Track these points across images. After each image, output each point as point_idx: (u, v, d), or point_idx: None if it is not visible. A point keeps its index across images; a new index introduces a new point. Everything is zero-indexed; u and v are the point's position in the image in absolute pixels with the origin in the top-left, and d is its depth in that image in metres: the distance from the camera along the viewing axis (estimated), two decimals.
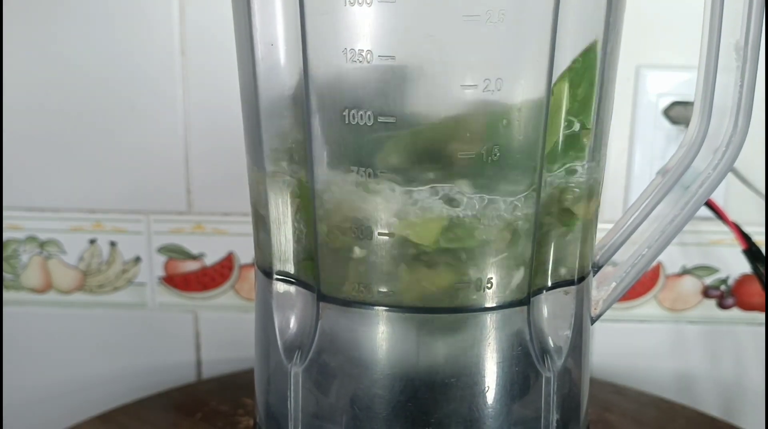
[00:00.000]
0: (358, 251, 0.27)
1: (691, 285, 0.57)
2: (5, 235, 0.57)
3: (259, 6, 0.27)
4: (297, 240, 0.29)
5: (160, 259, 0.57)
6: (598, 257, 0.32)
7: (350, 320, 0.28)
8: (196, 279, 0.57)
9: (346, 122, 0.26)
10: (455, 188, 0.26)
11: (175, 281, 0.57)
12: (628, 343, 0.58)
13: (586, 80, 0.28)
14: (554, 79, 0.26)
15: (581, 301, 0.31)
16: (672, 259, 0.56)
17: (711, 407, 0.57)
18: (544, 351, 0.29)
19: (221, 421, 0.48)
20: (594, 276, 0.32)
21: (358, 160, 0.26)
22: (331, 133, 0.27)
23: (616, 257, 0.32)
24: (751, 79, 0.28)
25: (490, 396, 0.28)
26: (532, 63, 0.26)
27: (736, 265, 0.56)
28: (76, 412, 0.57)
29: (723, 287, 0.57)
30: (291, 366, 0.30)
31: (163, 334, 0.58)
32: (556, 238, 0.29)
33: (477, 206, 0.26)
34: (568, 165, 0.28)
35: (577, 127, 0.28)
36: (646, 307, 0.57)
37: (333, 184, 0.27)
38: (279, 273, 0.30)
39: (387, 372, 0.28)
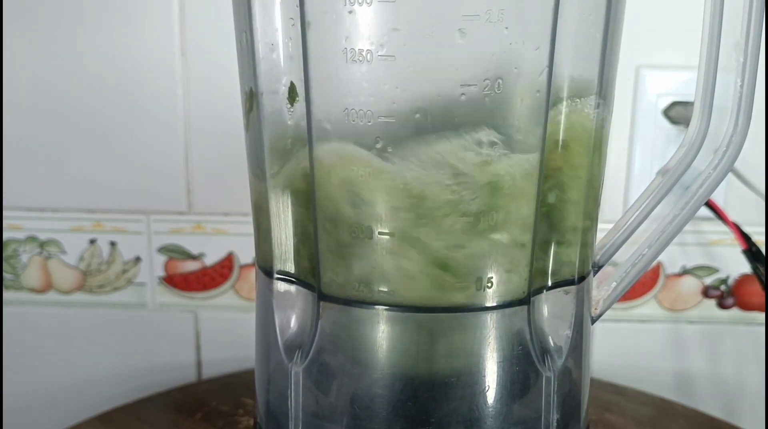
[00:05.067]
0: (358, 250, 0.27)
1: (691, 285, 0.57)
2: (5, 235, 0.57)
3: (259, 6, 0.27)
4: (297, 239, 0.29)
5: (160, 259, 0.57)
6: (598, 257, 0.32)
7: (350, 319, 0.28)
8: (196, 279, 0.57)
9: (346, 122, 0.26)
10: (455, 186, 0.26)
11: (175, 281, 0.57)
12: (628, 343, 0.58)
13: None
14: (554, 78, 0.26)
15: (581, 301, 0.31)
16: (672, 259, 0.56)
17: (711, 407, 0.57)
18: (545, 350, 0.29)
19: (221, 421, 0.48)
20: (594, 276, 0.32)
21: (359, 159, 0.26)
22: (331, 132, 0.27)
23: (616, 257, 0.32)
24: (751, 79, 0.28)
25: (491, 395, 0.28)
26: (532, 63, 0.26)
27: (736, 265, 0.56)
28: (76, 412, 0.57)
29: (723, 287, 0.57)
30: (291, 365, 0.30)
31: (163, 334, 0.58)
32: (556, 233, 0.29)
33: (478, 202, 0.26)
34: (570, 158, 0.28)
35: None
36: (646, 307, 0.57)
37: (333, 183, 0.27)
38: (279, 272, 0.30)
39: (387, 371, 0.28)
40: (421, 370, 0.28)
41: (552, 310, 0.29)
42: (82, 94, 0.54)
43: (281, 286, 0.30)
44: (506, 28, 0.25)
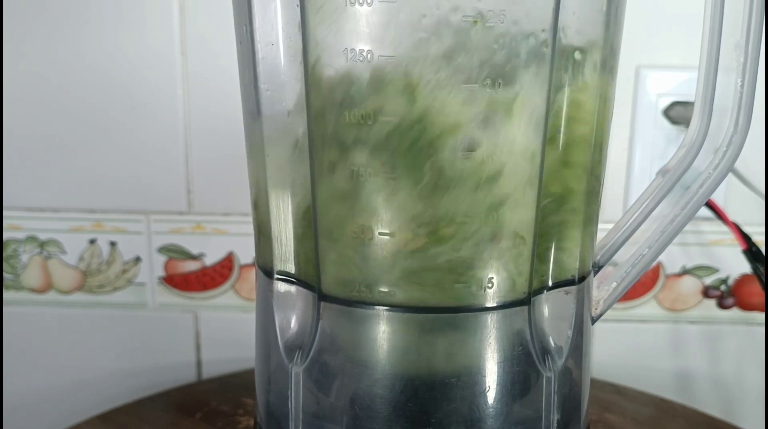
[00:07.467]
0: (358, 251, 0.27)
1: (691, 285, 0.57)
2: (5, 235, 0.57)
3: (259, 6, 0.27)
4: (298, 239, 0.29)
5: (160, 259, 0.57)
6: (598, 257, 0.32)
7: (351, 320, 0.28)
8: (196, 279, 0.57)
9: (347, 122, 0.26)
10: (455, 187, 0.26)
11: (175, 281, 0.57)
12: (628, 343, 0.58)
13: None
14: (555, 80, 0.26)
15: (582, 301, 0.31)
16: (672, 259, 0.56)
17: (711, 407, 0.57)
18: (545, 351, 0.29)
19: (221, 421, 0.48)
20: (594, 276, 0.32)
21: (359, 159, 0.26)
22: (332, 132, 0.27)
23: (616, 257, 0.32)
24: (751, 79, 0.28)
25: (491, 396, 0.28)
26: (532, 64, 0.26)
27: (736, 265, 0.56)
28: (76, 412, 0.57)
29: (723, 287, 0.57)
30: (291, 366, 0.30)
31: (163, 334, 0.58)
32: (557, 228, 0.29)
33: (478, 205, 0.26)
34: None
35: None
36: (646, 307, 0.57)
37: (334, 183, 0.27)
38: (280, 273, 0.30)
39: (387, 372, 0.28)
40: (421, 370, 0.28)
41: (552, 311, 0.29)
42: (82, 94, 0.54)
43: (281, 287, 0.30)
44: (507, 29, 0.25)
